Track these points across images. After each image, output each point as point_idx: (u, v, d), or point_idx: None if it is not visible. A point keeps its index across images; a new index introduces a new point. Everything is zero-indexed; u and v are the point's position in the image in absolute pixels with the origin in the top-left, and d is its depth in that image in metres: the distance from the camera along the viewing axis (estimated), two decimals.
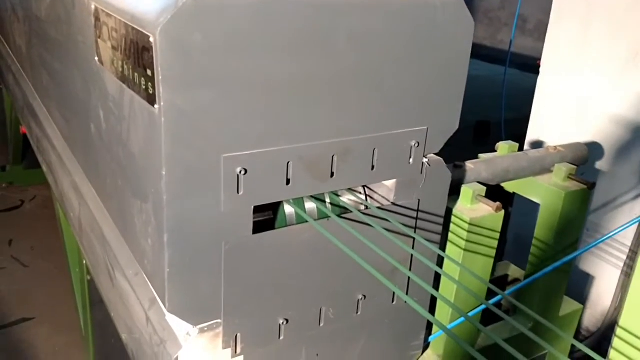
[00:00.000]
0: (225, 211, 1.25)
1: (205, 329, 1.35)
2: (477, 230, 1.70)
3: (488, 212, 1.71)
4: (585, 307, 3.52)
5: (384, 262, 1.27)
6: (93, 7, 1.47)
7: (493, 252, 1.78)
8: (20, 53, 3.37)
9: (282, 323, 1.45)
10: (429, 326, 1.82)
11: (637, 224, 3.01)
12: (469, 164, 1.84)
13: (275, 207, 1.43)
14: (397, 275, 1.59)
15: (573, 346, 2.41)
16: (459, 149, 1.87)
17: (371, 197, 1.58)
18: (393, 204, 1.51)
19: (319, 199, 1.44)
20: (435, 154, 1.55)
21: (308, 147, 1.30)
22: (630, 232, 3.15)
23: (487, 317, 2.01)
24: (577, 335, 3.40)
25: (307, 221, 1.36)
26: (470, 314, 1.80)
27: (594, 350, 1.00)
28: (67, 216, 2.45)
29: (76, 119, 2.03)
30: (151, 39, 1.09)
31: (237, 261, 1.31)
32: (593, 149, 3.16)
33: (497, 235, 1.76)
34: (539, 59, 3.62)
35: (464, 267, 1.65)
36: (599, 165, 3.30)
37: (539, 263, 2.00)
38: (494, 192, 1.90)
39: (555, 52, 3.51)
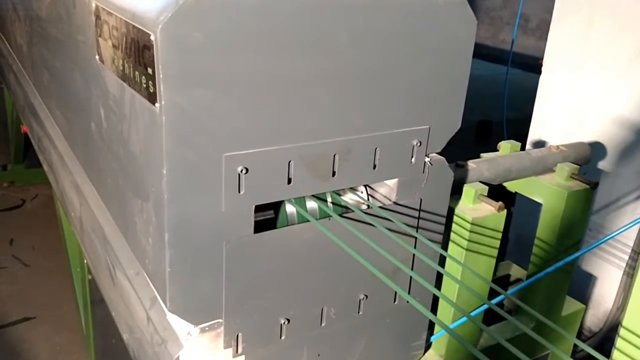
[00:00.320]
0: (226, 210, 1.24)
1: (207, 328, 1.34)
2: (479, 229, 1.69)
3: (490, 212, 1.70)
4: (588, 307, 3.52)
5: (386, 261, 1.26)
6: (94, 5, 1.46)
7: (495, 252, 1.77)
8: (21, 52, 3.37)
9: (284, 323, 1.44)
10: (431, 326, 1.81)
11: None
12: (471, 164, 1.84)
13: (276, 207, 1.42)
14: (399, 275, 1.58)
15: (575, 346, 2.40)
16: (461, 149, 1.86)
17: (373, 197, 1.57)
18: (395, 203, 1.51)
19: (320, 198, 1.43)
20: (437, 154, 1.54)
21: (309, 146, 1.30)
22: (633, 233, 3.15)
23: (489, 318, 2.00)
24: (579, 336, 3.39)
25: (308, 220, 1.36)
26: (472, 314, 1.79)
27: (596, 350, 0.99)
28: (68, 215, 2.45)
29: (77, 118, 2.02)
30: (152, 37, 1.08)
31: (238, 260, 1.31)
32: (596, 149, 3.16)
33: (499, 235, 1.75)
34: (541, 59, 3.61)
35: (467, 267, 1.64)
36: (602, 165, 3.29)
37: (541, 263, 1.99)
38: (496, 192, 1.89)
39: (558, 51, 3.50)
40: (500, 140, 2.12)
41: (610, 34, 3.19)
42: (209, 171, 1.20)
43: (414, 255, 1.58)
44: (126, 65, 1.28)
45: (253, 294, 1.36)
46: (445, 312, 1.82)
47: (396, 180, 1.49)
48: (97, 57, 1.51)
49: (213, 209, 1.23)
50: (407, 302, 1.62)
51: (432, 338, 1.84)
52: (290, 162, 1.29)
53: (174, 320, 1.35)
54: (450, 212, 1.69)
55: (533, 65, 5.08)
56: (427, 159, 1.50)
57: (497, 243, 1.76)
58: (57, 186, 2.59)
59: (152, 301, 1.44)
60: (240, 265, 1.32)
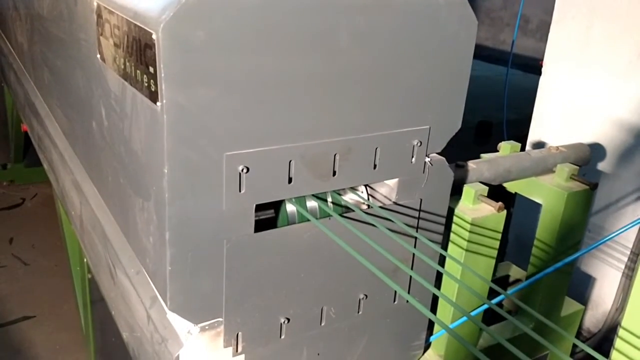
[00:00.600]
0: (227, 209, 1.25)
1: (207, 327, 1.34)
2: (479, 230, 1.69)
3: (490, 212, 1.70)
4: (587, 308, 3.52)
5: (386, 261, 1.26)
6: (95, 4, 1.46)
7: (495, 252, 1.78)
8: (21, 50, 3.37)
9: (284, 322, 1.44)
10: (430, 326, 1.82)
11: (639, 225, 3.00)
12: (471, 164, 1.84)
13: (277, 206, 1.42)
14: (399, 275, 1.59)
15: (574, 347, 2.40)
16: (461, 149, 1.86)
17: (373, 197, 1.58)
18: (395, 203, 1.51)
19: (320, 197, 1.44)
20: (438, 154, 1.55)
21: (310, 145, 1.30)
22: (632, 234, 3.15)
23: (488, 318, 2.01)
24: (578, 336, 3.40)
25: (308, 220, 1.36)
26: (471, 314, 1.79)
27: (594, 351, 0.99)
28: (68, 214, 2.45)
29: (78, 117, 2.02)
30: (154, 36, 1.08)
31: (239, 260, 1.31)
32: (595, 150, 3.16)
33: (499, 236, 1.75)
34: (541, 60, 3.62)
35: (467, 267, 1.64)
36: (601, 166, 3.29)
37: (541, 264, 2.00)
38: (496, 192, 1.89)
39: (558, 53, 3.50)
40: (500, 141, 2.12)
41: (610, 35, 3.20)
42: (210, 170, 1.20)
43: (413, 255, 1.58)
44: (127, 63, 1.28)
45: (253, 293, 1.37)
46: (444, 312, 1.83)
47: (396, 180, 1.49)
48: (98, 55, 1.51)
49: (214, 208, 1.23)
50: (407, 301, 1.62)
51: (432, 338, 1.85)
52: (290, 161, 1.29)
53: (174, 319, 1.35)
54: (450, 212, 1.69)
55: (533, 66, 5.09)
56: (427, 159, 1.51)
57: (497, 243, 1.77)
58: (57, 185, 2.59)
59: (153, 300, 1.45)
60: (240, 264, 1.32)
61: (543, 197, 1.95)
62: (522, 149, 2.10)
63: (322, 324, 1.52)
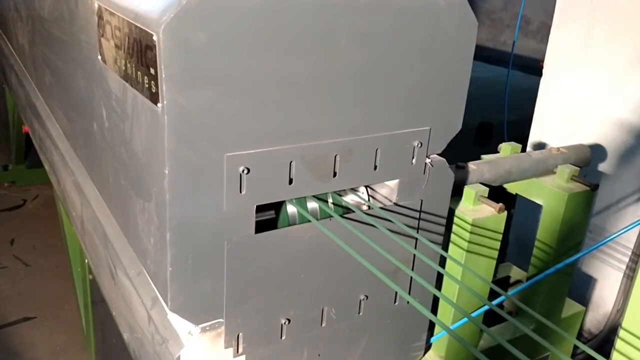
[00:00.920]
0: (227, 210, 1.25)
1: (207, 328, 1.35)
2: (480, 231, 1.69)
3: (490, 213, 1.71)
4: (587, 309, 3.51)
5: (387, 262, 1.26)
6: (96, 5, 1.47)
7: (495, 254, 1.78)
8: (23, 52, 3.38)
9: (284, 323, 1.44)
10: (431, 327, 1.81)
11: None
12: (472, 165, 1.84)
13: (277, 207, 1.42)
14: (400, 276, 1.59)
15: (575, 348, 2.40)
16: (462, 150, 1.86)
17: (373, 197, 1.58)
18: (395, 204, 1.51)
19: (321, 198, 1.44)
20: (438, 155, 1.55)
21: (311, 146, 1.30)
22: (633, 235, 3.14)
23: (489, 319, 2.01)
24: (579, 338, 3.39)
25: (309, 221, 1.36)
26: (472, 315, 1.79)
27: (595, 352, 0.99)
28: (69, 215, 2.45)
29: (79, 118, 2.03)
30: (154, 38, 1.09)
31: (240, 260, 1.31)
32: (596, 151, 3.16)
33: (500, 237, 1.75)
34: (542, 61, 3.61)
35: (467, 268, 1.64)
36: (602, 167, 3.29)
37: (541, 265, 2.00)
38: (497, 193, 1.89)
39: (558, 54, 3.50)
40: (501, 142, 2.12)
41: (611, 37, 3.20)
42: (211, 171, 1.20)
43: (414, 256, 1.58)
44: (128, 65, 1.28)
45: (254, 293, 1.37)
46: (445, 313, 1.83)
47: (397, 181, 1.49)
48: (99, 57, 1.52)
49: (214, 209, 1.24)
50: (408, 302, 1.62)
51: (432, 339, 1.85)
52: (291, 162, 1.29)
53: (175, 319, 1.35)
54: (451, 213, 1.69)
55: (534, 68, 5.09)
56: (427, 160, 1.51)
57: (498, 244, 1.77)
58: (58, 186, 2.59)
59: (153, 301, 1.45)
60: (241, 265, 1.32)
61: (544, 198, 1.95)
62: (523, 150, 2.10)
63: (323, 325, 1.52)
